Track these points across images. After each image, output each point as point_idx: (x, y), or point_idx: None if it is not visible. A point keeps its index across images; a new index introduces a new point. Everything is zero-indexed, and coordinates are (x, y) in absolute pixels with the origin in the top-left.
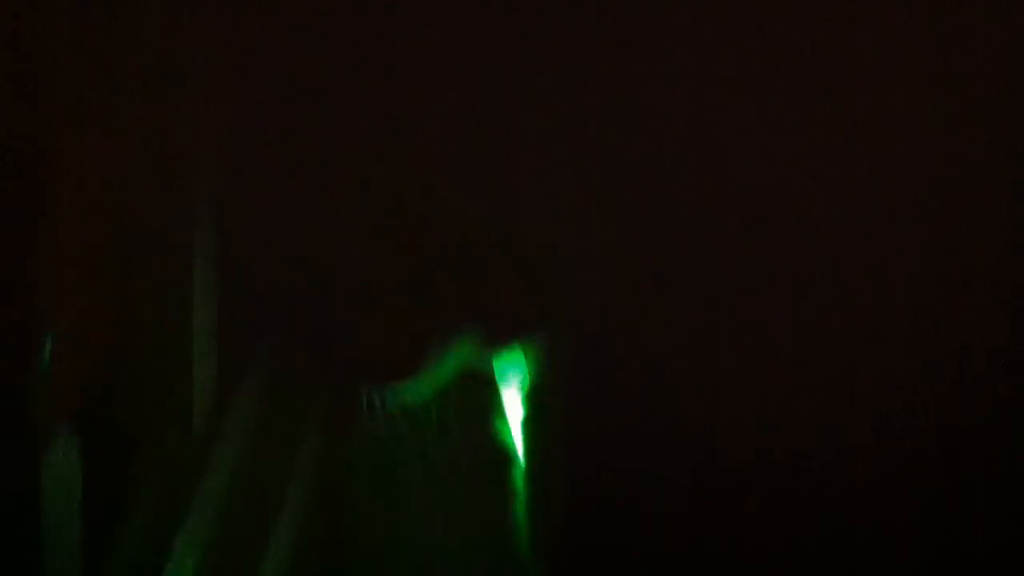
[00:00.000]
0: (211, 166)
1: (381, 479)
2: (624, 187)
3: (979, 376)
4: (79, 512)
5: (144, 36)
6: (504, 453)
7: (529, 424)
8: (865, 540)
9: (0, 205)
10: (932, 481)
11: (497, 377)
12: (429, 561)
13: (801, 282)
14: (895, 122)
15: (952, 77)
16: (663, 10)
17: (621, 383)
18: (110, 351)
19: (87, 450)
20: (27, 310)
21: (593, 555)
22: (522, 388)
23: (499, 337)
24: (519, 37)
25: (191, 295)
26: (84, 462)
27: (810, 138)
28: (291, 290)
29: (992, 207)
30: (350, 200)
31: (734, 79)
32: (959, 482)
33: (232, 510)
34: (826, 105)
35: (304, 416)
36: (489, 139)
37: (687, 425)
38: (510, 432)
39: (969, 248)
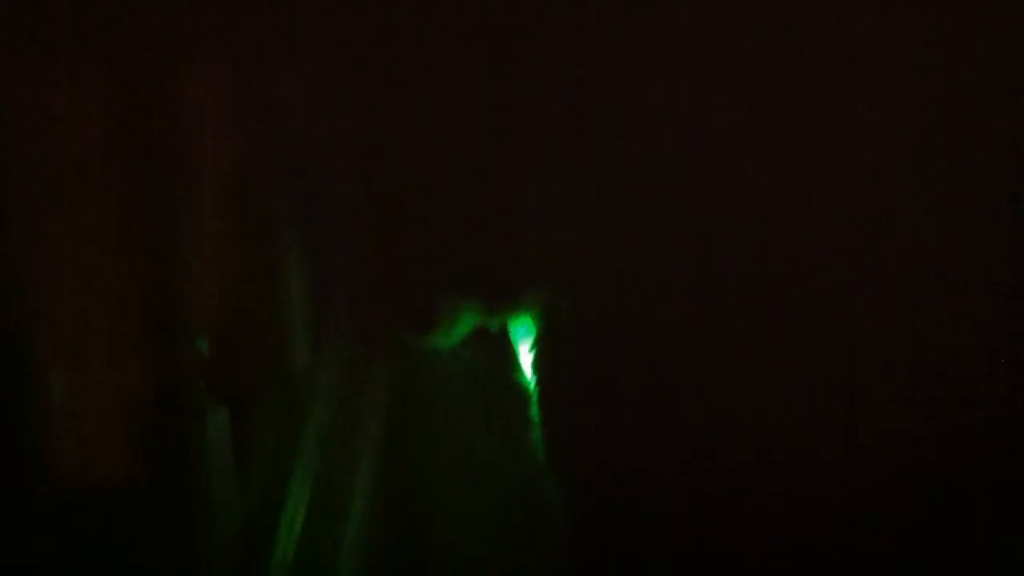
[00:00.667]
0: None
1: (427, 413)
2: (624, 181)
3: (979, 376)
4: (231, 468)
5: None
6: (520, 392)
7: (537, 369)
8: (865, 540)
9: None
10: (932, 481)
11: (510, 336)
12: (470, 475)
13: (801, 281)
14: (896, 122)
15: (952, 77)
16: (663, 8)
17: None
18: (234, 334)
19: (232, 416)
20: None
21: (598, 470)
22: (531, 344)
23: (500, 305)
24: (519, 36)
25: (285, 282)
26: (232, 425)
27: (810, 137)
28: (342, 271)
29: (992, 207)
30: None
31: (734, 77)
32: (959, 482)
33: (327, 443)
34: (826, 104)
35: (366, 365)
36: (489, 133)
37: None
38: (525, 376)
39: (969, 248)
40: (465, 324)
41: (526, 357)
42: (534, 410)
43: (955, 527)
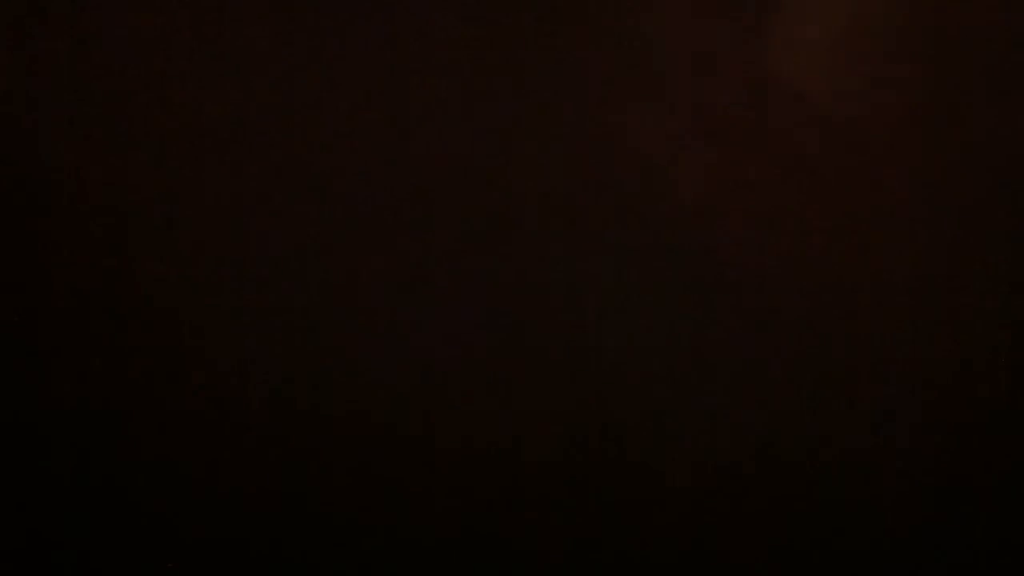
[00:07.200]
0: None
1: None
2: (622, 181)
3: (979, 376)
4: None
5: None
6: None
7: None
8: (863, 540)
9: None
10: (931, 481)
11: None
12: None
13: (800, 281)
14: (894, 121)
15: (952, 77)
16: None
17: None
18: None
19: None
20: None
21: None
22: None
23: None
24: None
25: None
26: None
27: (809, 135)
28: None
29: (992, 207)
30: None
31: (732, 75)
32: (959, 482)
33: None
34: (825, 102)
35: None
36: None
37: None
38: None
39: (969, 249)
40: None
41: None
42: None
43: (955, 527)
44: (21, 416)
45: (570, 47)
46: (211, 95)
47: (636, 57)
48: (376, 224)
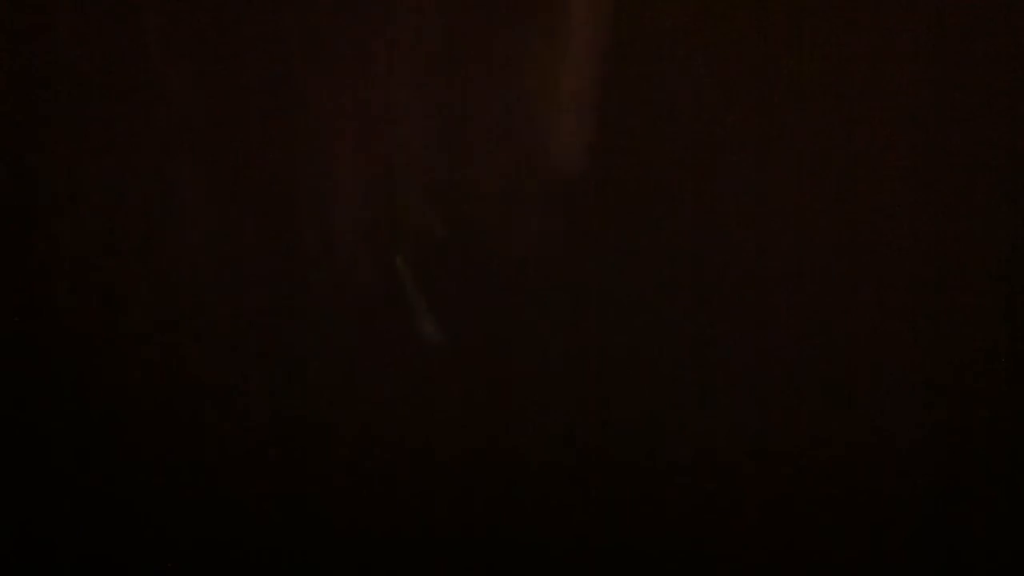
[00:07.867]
0: None
1: None
2: (619, 182)
3: (979, 376)
4: None
5: None
6: None
7: None
8: (863, 541)
9: None
10: (931, 482)
11: None
12: None
13: (800, 281)
14: (895, 121)
15: (952, 78)
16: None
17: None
18: None
19: None
20: None
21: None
22: None
23: None
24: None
25: None
26: None
27: (809, 136)
28: None
29: (992, 207)
30: None
31: (733, 76)
32: (958, 483)
33: None
34: (825, 103)
35: None
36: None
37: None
38: None
39: (968, 248)
40: None
41: None
42: None
43: (954, 527)
44: (21, 416)
45: None
46: (211, 95)
47: None
48: (376, 223)
